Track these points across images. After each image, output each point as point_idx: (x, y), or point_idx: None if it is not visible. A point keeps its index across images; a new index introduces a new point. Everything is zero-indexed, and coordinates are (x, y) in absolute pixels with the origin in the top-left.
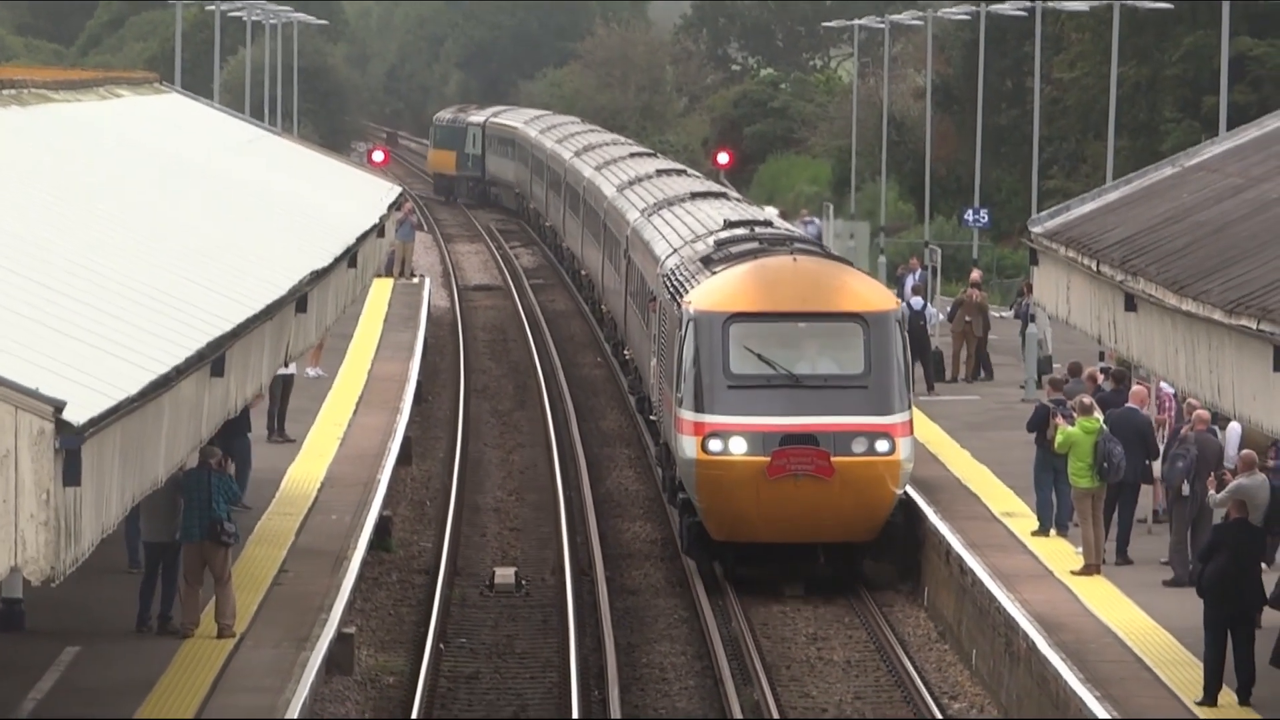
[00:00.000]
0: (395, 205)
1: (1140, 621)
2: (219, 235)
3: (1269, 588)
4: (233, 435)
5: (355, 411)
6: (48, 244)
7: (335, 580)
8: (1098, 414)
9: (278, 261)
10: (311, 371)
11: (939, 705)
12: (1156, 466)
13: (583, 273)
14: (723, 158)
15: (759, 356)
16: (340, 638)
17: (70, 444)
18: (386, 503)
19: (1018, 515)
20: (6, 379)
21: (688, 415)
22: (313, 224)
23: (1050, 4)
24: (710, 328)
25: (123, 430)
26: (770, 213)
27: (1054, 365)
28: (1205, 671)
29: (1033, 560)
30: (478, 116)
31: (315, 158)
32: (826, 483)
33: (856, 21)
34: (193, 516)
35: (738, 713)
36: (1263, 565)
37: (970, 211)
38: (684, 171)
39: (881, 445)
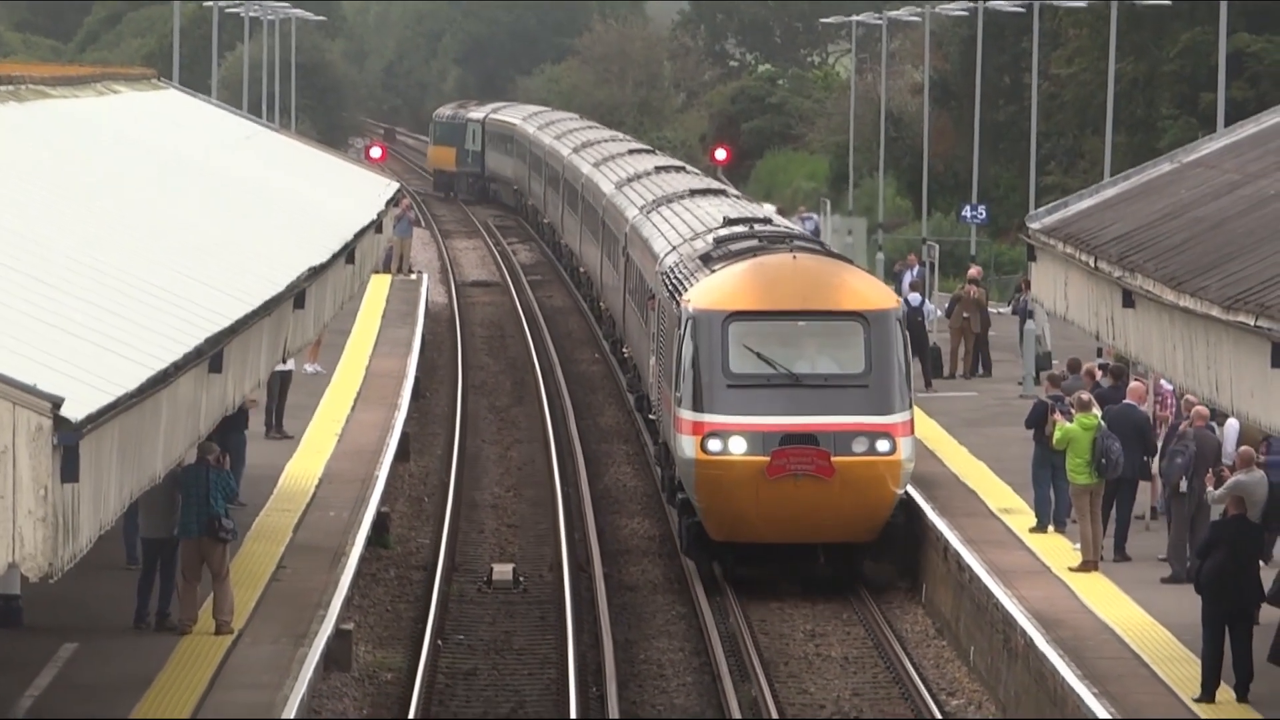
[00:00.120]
0: (393, 201)
1: (1138, 618)
2: (217, 232)
3: (1267, 584)
4: (229, 431)
5: (353, 408)
6: (47, 241)
7: (333, 577)
8: (1096, 410)
9: (276, 258)
10: (309, 368)
11: (937, 702)
12: (1155, 463)
13: (581, 270)
14: (720, 154)
15: (758, 355)
16: (338, 634)
17: (68, 440)
18: (384, 499)
19: (1016, 512)
20: (4, 375)
21: (687, 415)
22: (310, 220)
23: (1048, 0)
24: (709, 326)
25: (121, 426)
26: (768, 210)
27: (1053, 362)
28: (1203, 668)
29: (1031, 557)
30: (478, 113)
31: (313, 154)
32: (827, 483)
33: (854, 17)
34: (191, 513)
35: (736, 709)
36: (1260, 562)
37: (968, 207)
38: (683, 168)
39: (882, 445)
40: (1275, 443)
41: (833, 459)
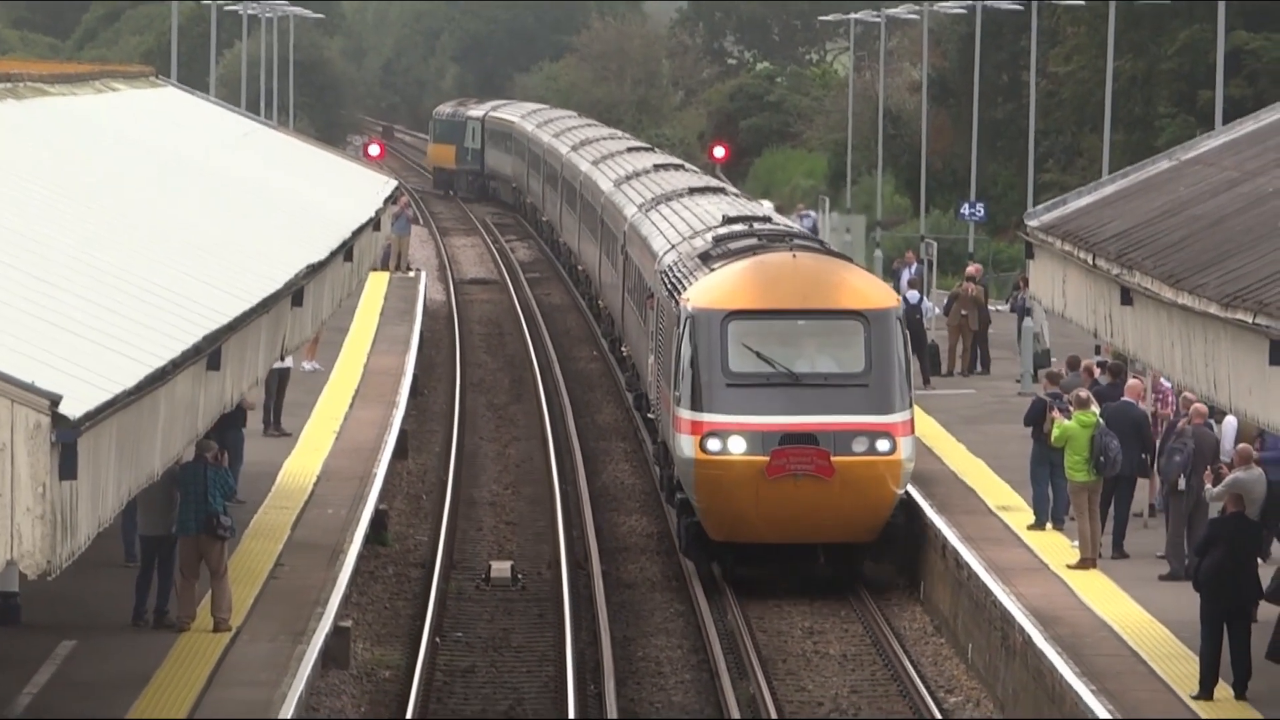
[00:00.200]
0: (391, 199)
1: (1136, 615)
2: (215, 230)
3: (1265, 582)
4: (227, 429)
5: (351, 405)
6: (46, 239)
7: (331, 574)
8: (1094, 408)
9: (274, 255)
10: (308, 365)
11: (935, 699)
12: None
13: (579, 268)
14: (719, 152)
15: (758, 354)
16: (336, 631)
17: (66, 437)
18: (382, 496)
19: (1014, 509)
20: (3, 373)
21: (686, 414)
22: (309, 218)
23: None
24: (708, 325)
25: (119, 424)
26: (766, 207)
27: (1052, 359)
28: (1201, 665)
29: (1029, 554)
30: (477, 110)
31: (311, 152)
32: (826, 483)
33: (852, 15)
34: (189, 510)
35: (734, 707)
36: (1259, 559)
37: (966, 205)
38: (682, 166)
39: (882, 444)
40: (1271, 439)
41: (833, 459)
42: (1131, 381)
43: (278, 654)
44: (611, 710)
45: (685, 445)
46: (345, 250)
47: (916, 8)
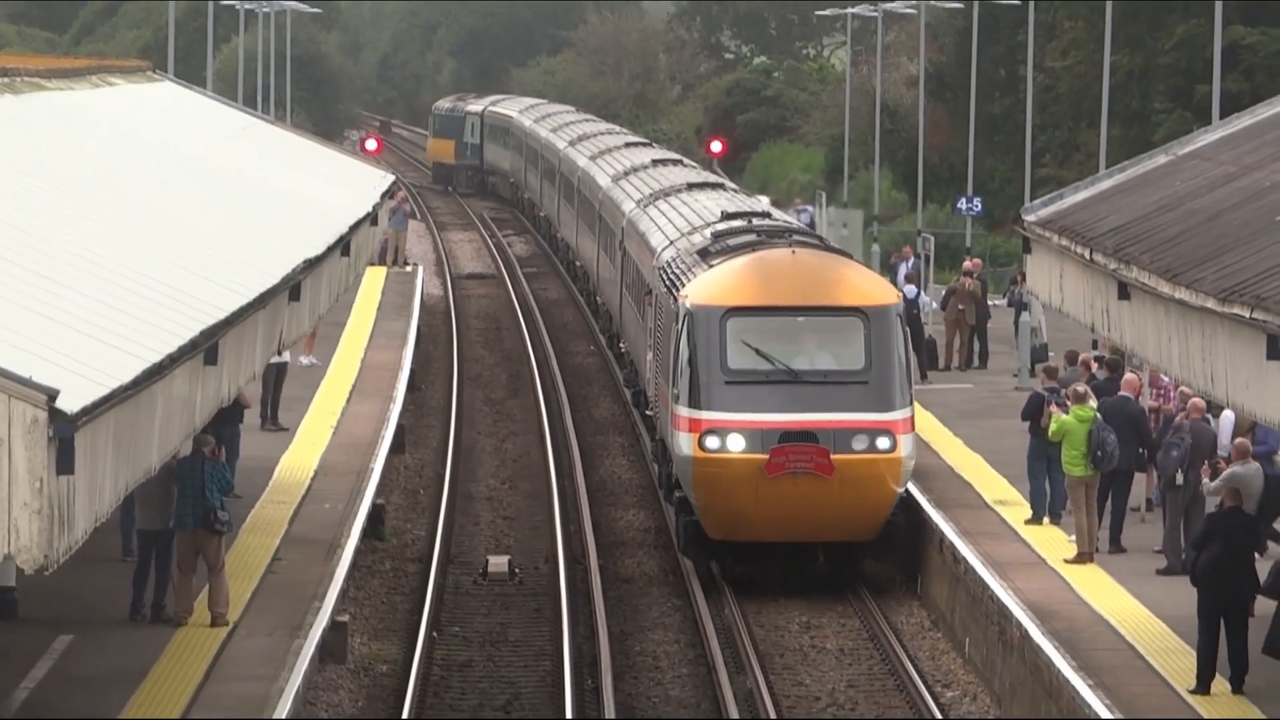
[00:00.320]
0: (388, 194)
1: (1133, 610)
2: (214, 226)
3: (1262, 576)
4: (224, 423)
5: (348, 400)
6: (48, 236)
7: (328, 569)
8: (1092, 402)
9: (271, 250)
10: (305, 360)
11: (932, 694)
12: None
13: (577, 264)
14: (716, 146)
15: (757, 351)
16: (333, 626)
17: (63, 432)
18: (380, 491)
19: (1011, 504)
20: (0, 368)
21: (684, 411)
22: (306, 212)
23: None
24: (707, 322)
25: (116, 418)
26: (763, 202)
27: (1049, 354)
28: (1198, 660)
29: (1026, 548)
30: (476, 105)
31: (308, 146)
32: (826, 481)
33: (850, 10)
34: (186, 505)
35: (731, 701)
36: (1256, 554)
37: (963, 200)
38: (680, 161)
39: (882, 442)
40: (1260, 432)
41: (832, 456)
42: (1129, 376)
43: (275, 648)
44: (609, 705)
45: (684, 443)
46: (342, 245)
47: (913, 2)
